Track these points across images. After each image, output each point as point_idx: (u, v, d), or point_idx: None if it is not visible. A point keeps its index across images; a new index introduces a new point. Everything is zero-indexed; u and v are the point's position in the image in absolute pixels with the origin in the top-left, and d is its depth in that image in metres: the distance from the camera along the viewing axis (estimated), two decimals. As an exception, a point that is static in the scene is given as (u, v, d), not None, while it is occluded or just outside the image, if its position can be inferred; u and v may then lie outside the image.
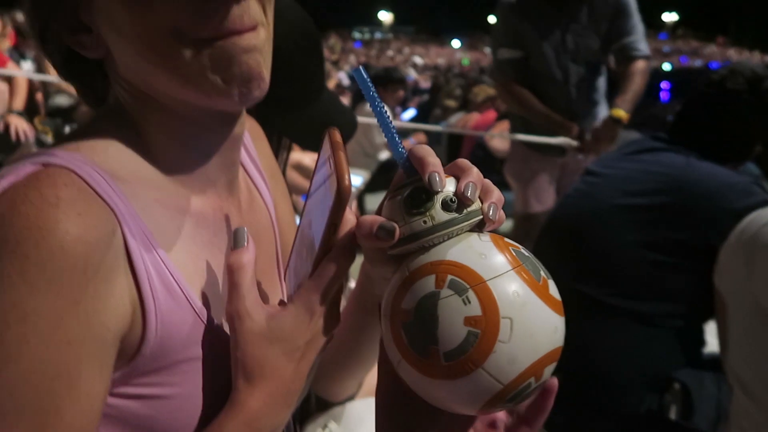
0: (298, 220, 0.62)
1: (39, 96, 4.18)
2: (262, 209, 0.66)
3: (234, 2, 0.46)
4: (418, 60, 17.86)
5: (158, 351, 0.47)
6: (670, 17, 52.71)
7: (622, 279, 1.44)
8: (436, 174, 0.43)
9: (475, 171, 0.46)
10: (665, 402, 1.38)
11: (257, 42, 0.48)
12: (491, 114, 4.45)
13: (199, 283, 0.52)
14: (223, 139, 0.55)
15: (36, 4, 0.49)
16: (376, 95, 0.47)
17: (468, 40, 36.50)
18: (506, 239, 0.46)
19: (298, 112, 0.95)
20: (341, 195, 0.45)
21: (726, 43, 38.75)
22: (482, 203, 0.45)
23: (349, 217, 0.48)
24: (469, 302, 0.42)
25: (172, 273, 0.49)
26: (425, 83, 11.56)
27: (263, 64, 0.49)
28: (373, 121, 4.07)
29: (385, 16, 49.74)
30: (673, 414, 1.37)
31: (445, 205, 0.44)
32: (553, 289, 0.45)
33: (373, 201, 3.60)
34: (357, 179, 1.14)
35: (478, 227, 0.46)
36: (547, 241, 1.67)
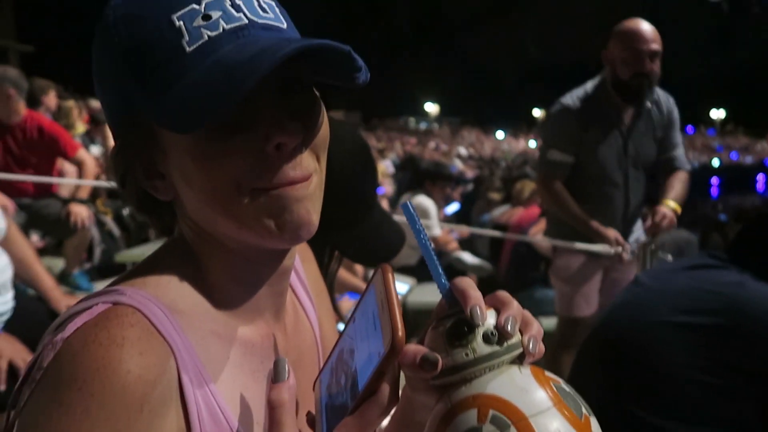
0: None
1: (103, 177, 4.44)
2: (307, 329, 0.69)
3: (289, 160, 0.51)
4: (462, 151, 18.25)
5: None
6: (717, 114, 52.70)
7: (672, 401, 1.36)
8: (477, 307, 0.46)
9: (515, 305, 0.48)
10: None
11: (308, 192, 0.53)
12: (535, 210, 4.45)
13: (246, 412, 0.55)
14: (272, 271, 0.59)
15: (122, 151, 0.55)
16: (421, 228, 0.49)
17: (511, 131, 37.22)
18: (547, 373, 0.47)
19: (351, 230, 0.99)
20: (395, 348, 0.45)
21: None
22: (522, 335, 0.47)
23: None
24: None
25: (220, 405, 0.52)
26: (470, 173, 11.74)
27: (312, 210, 0.54)
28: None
29: (432, 108, 51.60)
30: None
31: (486, 338, 0.46)
32: (596, 427, 0.45)
33: (420, 292, 3.57)
34: (403, 287, 1.15)
35: (519, 359, 0.47)
36: (591, 351, 1.61)
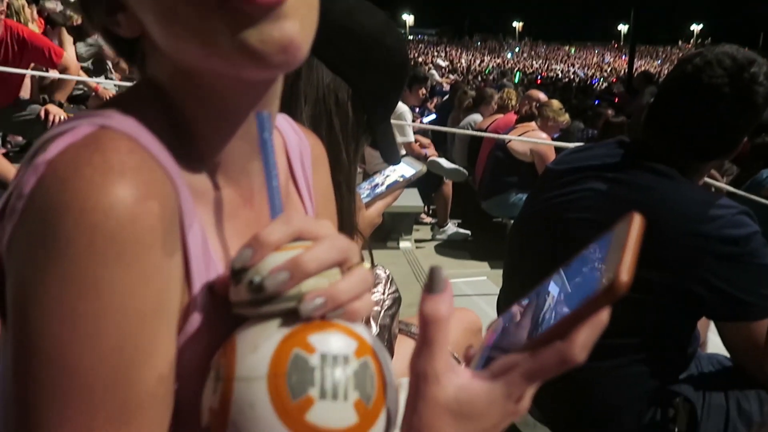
0: None
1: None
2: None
3: None
4: (440, 62, 17.80)
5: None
6: (697, 28, 51.99)
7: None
8: (249, 249, 0.41)
9: (314, 251, 0.42)
10: (668, 416, 1.34)
11: (284, 9, 0.43)
12: (511, 116, 4.44)
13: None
14: (250, 124, 0.50)
15: None
16: (267, 138, 0.46)
17: (490, 43, 36.20)
18: (327, 334, 0.41)
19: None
20: (611, 291, 0.38)
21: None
22: (307, 295, 0.41)
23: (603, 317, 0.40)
24: (215, 393, 0.41)
25: (213, 254, 0.47)
26: (447, 86, 11.54)
27: (293, 30, 0.43)
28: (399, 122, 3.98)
29: (408, 18, 49.63)
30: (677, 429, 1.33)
31: (251, 284, 0.41)
32: (320, 415, 0.39)
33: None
34: (410, 170, 1.07)
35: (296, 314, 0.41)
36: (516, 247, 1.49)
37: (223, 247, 0.49)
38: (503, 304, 1.47)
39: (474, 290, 2.51)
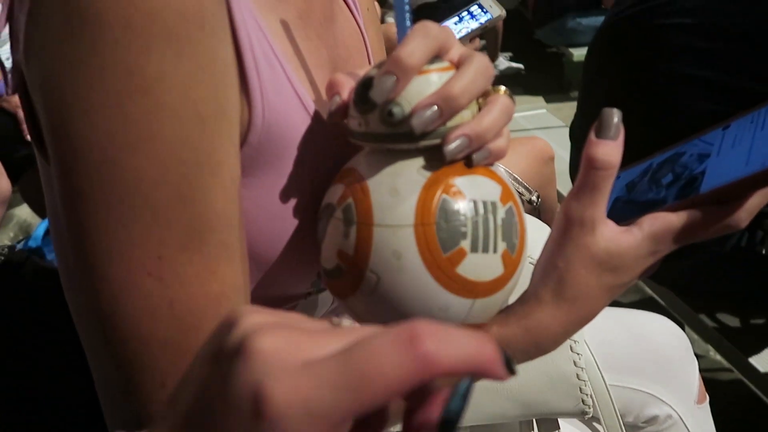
0: None
1: None
2: (353, 25, 0.55)
3: None
4: None
5: (265, 142, 0.39)
6: None
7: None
8: (387, 76, 0.34)
9: (469, 79, 0.35)
10: (756, 239, 1.27)
11: None
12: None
13: (302, 70, 0.42)
14: None
15: None
16: None
17: None
18: (474, 181, 0.36)
19: None
20: None
21: None
22: (455, 130, 0.35)
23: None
24: (347, 238, 0.37)
25: (276, 52, 0.39)
26: None
27: None
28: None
29: None
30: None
31: (386, 115, 0.35)
32: (471, 268, 0.36)
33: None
34: (484, 16, 0.92)
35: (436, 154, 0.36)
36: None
37: (290, 41, 0.41)
38: (579, 130, 1.36)
39: (533, 124, 2.38)
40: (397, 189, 0.36)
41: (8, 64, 1.49)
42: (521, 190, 0.90)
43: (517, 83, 3.77)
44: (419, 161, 0.36)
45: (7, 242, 1.51)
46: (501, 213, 0.37)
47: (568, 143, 1.39)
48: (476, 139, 0.36)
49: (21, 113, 1.36)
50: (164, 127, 0.32)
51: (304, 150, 0.41)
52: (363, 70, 0.40)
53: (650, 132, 1.03)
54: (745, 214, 0.38)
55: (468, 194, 0.36)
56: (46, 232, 1.09)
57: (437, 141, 0.36)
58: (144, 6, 0.31)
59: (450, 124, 0.36)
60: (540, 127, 2.32)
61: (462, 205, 0.36)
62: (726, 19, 0.98)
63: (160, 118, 0.32)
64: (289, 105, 0.40)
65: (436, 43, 0.35)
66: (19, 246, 1.05)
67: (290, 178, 0.41)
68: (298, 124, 0.41)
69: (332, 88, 0.39)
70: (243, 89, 0.37)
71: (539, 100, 3.42)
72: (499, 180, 0.38)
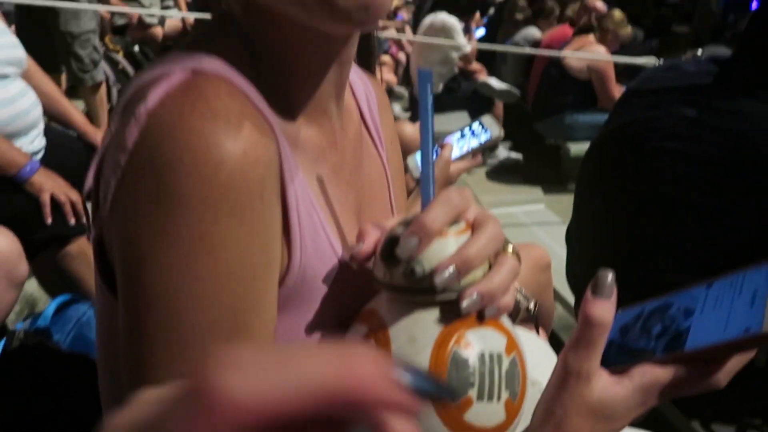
0: None
1: (106, 14, 4.20)
2: (377, 166, 0.62)
3: None
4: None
5: (300, 283, 0.45)
6: None
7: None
8: (412, 238, 0.39)
9: (482, 245, 0.41)
10: None
11: None
12: (566, 29, 4.16)
13: (332, 224, 0.49)
14: (330, 61, 0.49)
15: None
16: (428, 104, 0.42)
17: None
18: (480, 332, 0.41)
19: None
20: None
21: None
22: (468, 288, 0.40)
23: None
24: None
25: (313, 203, 0.46)
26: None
27: None
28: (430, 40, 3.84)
29: None
30: None
31: (408, 272, 0.40)
32: (476, 415, 0.40)
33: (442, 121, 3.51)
34: (484, 135, 0.98)
35: (452, 306, 0.41)
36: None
37: (324, 195, 0.48)
38: (573, 236, 1.42)
39: (531, 219, 2.45)
40: (415, 337, 0.40)
41: (39, 143, 1.57)
42: (519, 298, 0.94)
43: (515, 172, 3.89)
44: (435, 313, 0.41)
45: (12, 317, 1.52)
46: (506, 364, 0.41)
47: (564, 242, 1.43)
48: (488, 297, 0.41)
49: (45, 197, 1.42)
50: (222, 284, 0.39)
51: (331, 289, 0.47)
52: (388, 221, 0.46)
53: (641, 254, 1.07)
54: (724, 375, 0.42)
55: (477, 347, 0.40)
56: (55, 312, 1.13)
57: (452, 296, 0.40)
58: (217, 182, 0.37)
59: (464, 282, 0.40)
60: (538, 222, 2.39)
61: (471, 357, 0.40)
62: (711, 149, 1.05)
63: (220, 276, 0.38)
64: (322, 250, 0.46)
65: (455, 211, 0.42)
66: (28, 322, 1.09)
67: (316, 315, 0.47)
68: (328, 266, 0.47)
69: (359, 237, 0.45)
70: (285, 238, 0.44)
71: (537, 191, 3.51)
72: (505, 331, 0.43)
